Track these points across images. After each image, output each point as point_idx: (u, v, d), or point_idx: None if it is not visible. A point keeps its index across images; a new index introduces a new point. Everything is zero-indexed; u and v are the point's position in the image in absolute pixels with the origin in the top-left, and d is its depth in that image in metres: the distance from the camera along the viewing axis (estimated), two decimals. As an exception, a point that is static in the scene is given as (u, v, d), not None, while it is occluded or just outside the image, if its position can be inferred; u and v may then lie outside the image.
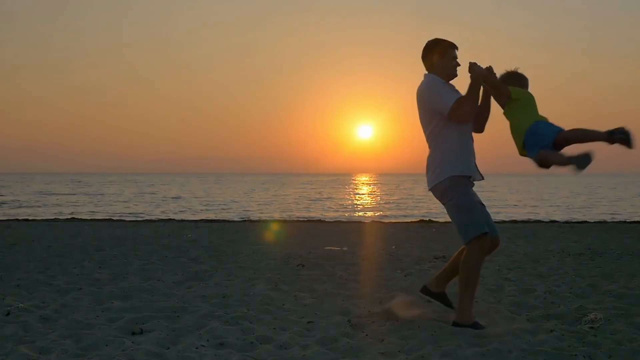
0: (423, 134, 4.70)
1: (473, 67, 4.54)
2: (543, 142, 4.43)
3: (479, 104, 4.61)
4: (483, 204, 4.68)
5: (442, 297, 4.91)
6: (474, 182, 4.68)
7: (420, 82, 4.66)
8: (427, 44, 4.66)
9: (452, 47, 4.61)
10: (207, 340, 4.17)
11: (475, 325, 4.48)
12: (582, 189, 57.68)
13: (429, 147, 4.64)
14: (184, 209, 28.97)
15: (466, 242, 4.53)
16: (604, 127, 4.42)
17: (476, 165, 4.65)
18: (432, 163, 4.61)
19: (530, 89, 4.65)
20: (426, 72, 4.67)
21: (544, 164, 4.49)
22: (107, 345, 4.04)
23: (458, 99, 4.45)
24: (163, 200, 36.97)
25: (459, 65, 4.62)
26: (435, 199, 4.75)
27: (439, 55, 4.58)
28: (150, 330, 4.43)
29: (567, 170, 4.49)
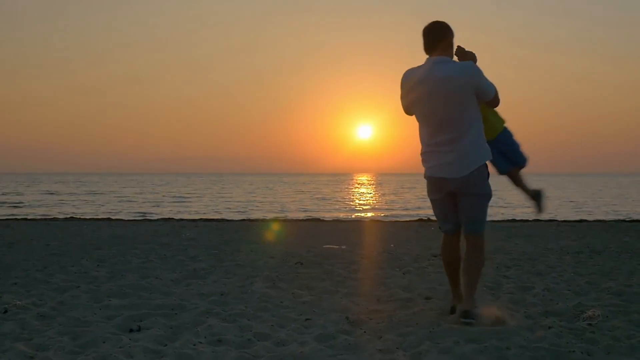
0: (436, 121, 4.42)
1: (463, 49, 4.60)
2: (518, 162, 5.01)
3: None
4: None
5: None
6: None
7: (447, 64, 4.37)
8: (442, 25, 4.44)
9: None
10: (205, 337, 4.17)
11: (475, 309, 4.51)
12: (585, 188, 57.65)
13: (460, 131, 4.36)
14: (183, 209, 28.97)
15: (479, 234, 4.57)
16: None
17: None
18: (465, 147, 4.38)
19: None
20: (442, 56, 4.40)
21: (512, 178, 5.08)
22: (104, 343, 4.03)
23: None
24: (163, 200, 36.97)
25: None
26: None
27: (451, 39, 4.49)
28: (148, 327, 4.42)
29: (526, 199, 5.21)
